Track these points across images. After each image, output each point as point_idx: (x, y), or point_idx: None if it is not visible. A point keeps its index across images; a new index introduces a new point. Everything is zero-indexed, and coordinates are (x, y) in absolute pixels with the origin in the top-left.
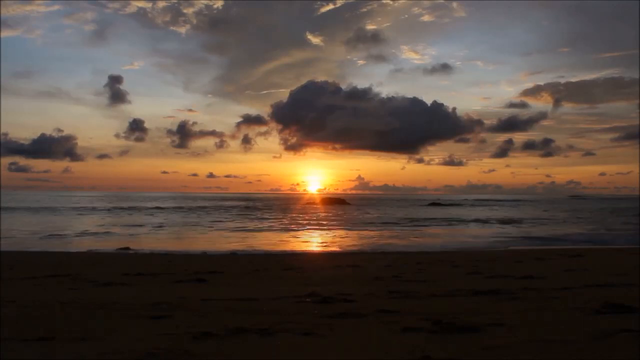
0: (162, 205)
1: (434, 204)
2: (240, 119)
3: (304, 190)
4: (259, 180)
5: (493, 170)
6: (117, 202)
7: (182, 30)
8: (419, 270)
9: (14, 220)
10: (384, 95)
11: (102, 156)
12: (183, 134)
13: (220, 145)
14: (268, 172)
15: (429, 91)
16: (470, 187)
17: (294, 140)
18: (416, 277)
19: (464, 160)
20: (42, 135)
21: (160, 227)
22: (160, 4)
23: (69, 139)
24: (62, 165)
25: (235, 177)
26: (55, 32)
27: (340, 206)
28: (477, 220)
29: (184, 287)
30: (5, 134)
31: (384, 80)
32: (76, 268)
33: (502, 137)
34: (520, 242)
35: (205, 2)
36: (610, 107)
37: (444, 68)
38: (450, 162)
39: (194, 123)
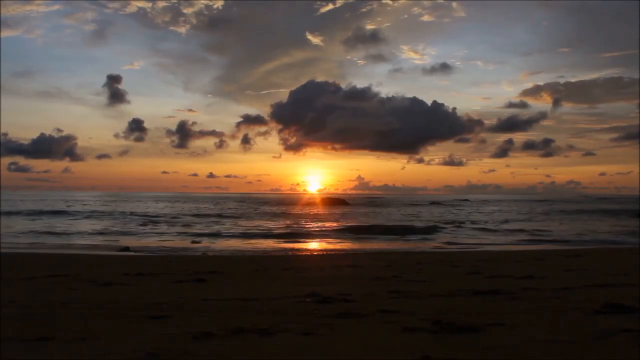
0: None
1: (434, 203)
2: (240, 119)
3: (304, 190)
4: (259, 180)
5: (493, 170)
6: (116, 203)
7: (182, 30)
8: (419, 270)
9: (13, 221)
10: (383, 95)
11: (102, 156)
12: (183, 134)
13: (220, 145)
14: (268, 172)
15: (429, 91)
16: (470, 187)
17: (293, 140)
18: (416, 277)
19: (464, 160)
20: (42, 135)
21: (159, 227)
22: (160, 4)
23: (68, 139)
24: (62, 165)
25: (235, 177)
26: (55, 32)
27: (339, 207)
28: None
29: (184, 287)
30: (5, 134)
31: (383, 80)
32: (76, 268)
33: (502, 137)
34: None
35: (205, 2)
36: (610, 107)
37: (444, 68)
38: (450, 162)
39: (194, 123)
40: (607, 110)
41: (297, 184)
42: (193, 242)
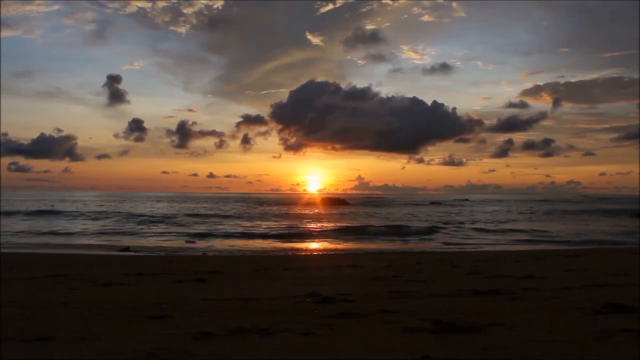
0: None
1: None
2: (240, 119)
3: (304, 190)
4: (259, 180)
5: (493, 170)
6: (116, 203)
7: (182, 30)
8: (419, 270)
9: (13, 221)
10: (383, 95)
11: (102, 156)
12: (183, 134)
13: (220, 145)
14: (268, 172)
15: (429, 91)
16: (470, 187)
17: (293, 140)
18: (416, 277)
19: (464, 160)
20: (42, 135)
21: (159, 227)
22: (160, 4)
23: (68, 139)
24: (62, 165)
25: (235, 177)
26: (55, 32)
27: (339, 207)
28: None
29: (184, 287)
30: (5, 134)
31: (383, 80)
32: (76, 268)
33: (502, 137)
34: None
35: (205, 2)
36: (610, 107)
37: (444, 68)
38: (450, 162)
39: (194, 123)
40: (607, 110)
41: (297, 184)
42: (187, 242)
